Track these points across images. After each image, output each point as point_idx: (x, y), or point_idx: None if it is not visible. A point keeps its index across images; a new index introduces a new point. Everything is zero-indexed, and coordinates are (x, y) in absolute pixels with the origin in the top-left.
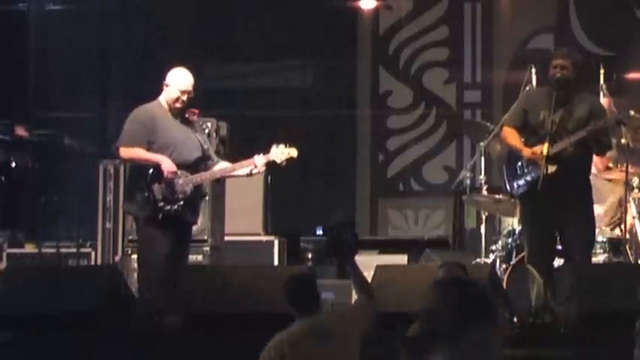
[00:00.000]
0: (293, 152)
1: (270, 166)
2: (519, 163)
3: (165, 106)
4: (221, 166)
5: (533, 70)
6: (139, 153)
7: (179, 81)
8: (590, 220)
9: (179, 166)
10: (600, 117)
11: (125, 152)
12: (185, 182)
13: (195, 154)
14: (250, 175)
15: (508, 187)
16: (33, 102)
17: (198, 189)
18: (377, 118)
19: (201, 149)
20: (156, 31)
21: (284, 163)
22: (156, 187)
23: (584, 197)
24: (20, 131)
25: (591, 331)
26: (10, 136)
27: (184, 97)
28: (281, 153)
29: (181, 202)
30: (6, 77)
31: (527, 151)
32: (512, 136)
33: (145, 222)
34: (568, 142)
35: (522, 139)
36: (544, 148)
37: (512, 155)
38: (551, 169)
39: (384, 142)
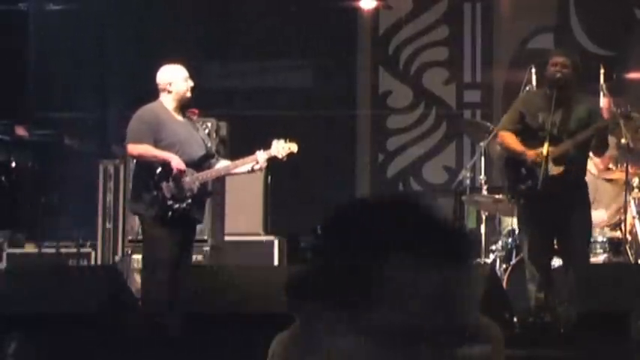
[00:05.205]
0: (293, 147)
1: (272, 161)
2: (522, 168)
3: (168, 106)
4: (223, 164)
5: (533, 70)
6: (147, 149)
7: (178, 73)
8: (587, 221)
9: (185, 164)
10: (600, 117)
11: (134, 149)
12: (192, 180)
13: (200, 152)
14: (252, 171)
15: (512, 191)
16: (33, 102)
17: (204, 187)
18: (377, 118)
19: (205, 147)
20: (156, 31)
21: (285, 158)
22: (164, 185)
23: (582, 198)
24: (20, 131)
25: (591, 331)
26: (10, 136)
27: (191, 84)
28: (282, 148)
29: (189, 200)
30: (6, 77)
31: (531, 153)
32: (511, 140)
33: (151, 222)
34: (572, 142)
35: (522, 143)
36: (544, 149)
37: (514, 159)
38: (557, 170)
39: (383, 142)
